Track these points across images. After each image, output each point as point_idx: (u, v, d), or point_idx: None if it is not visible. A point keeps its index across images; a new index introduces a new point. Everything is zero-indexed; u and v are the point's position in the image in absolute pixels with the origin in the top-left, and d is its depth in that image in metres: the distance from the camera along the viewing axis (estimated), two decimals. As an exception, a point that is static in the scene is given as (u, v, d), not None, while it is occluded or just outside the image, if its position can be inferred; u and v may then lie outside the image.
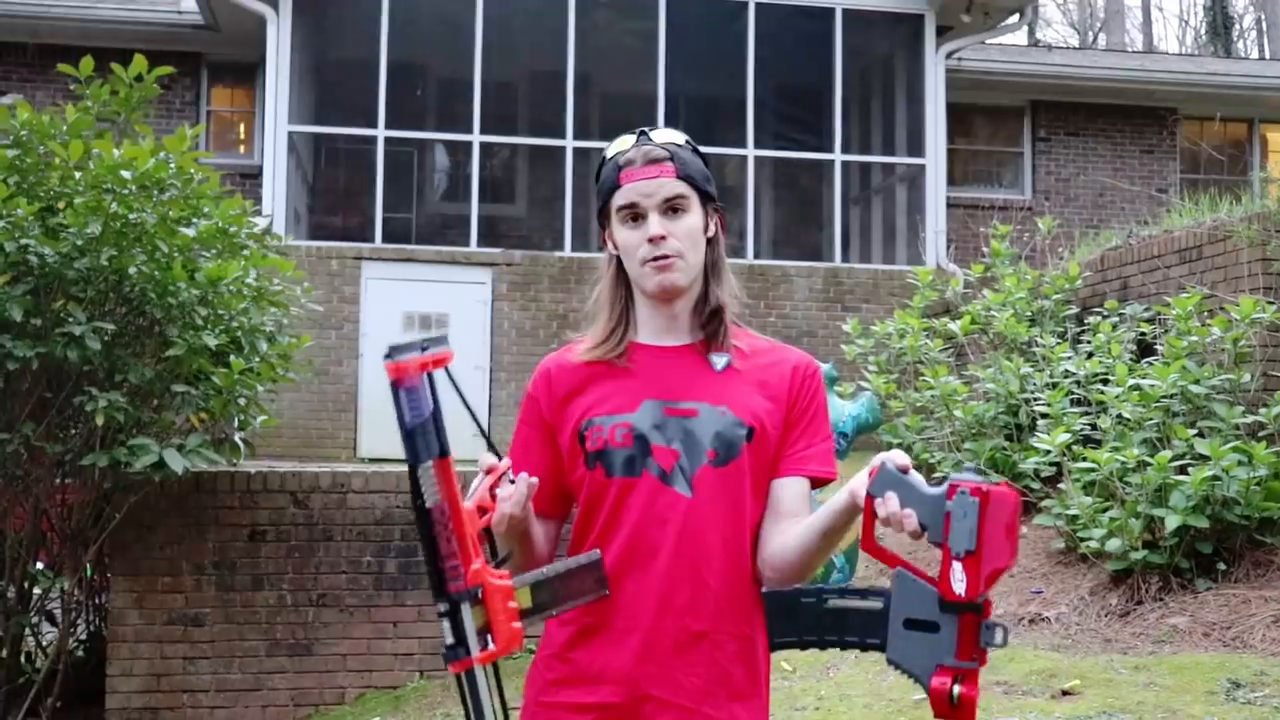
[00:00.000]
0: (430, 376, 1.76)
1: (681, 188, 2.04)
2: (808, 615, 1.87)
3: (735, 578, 2.02)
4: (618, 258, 2.11)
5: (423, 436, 1.74)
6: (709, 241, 2.10)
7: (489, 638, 1.78)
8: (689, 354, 2.08)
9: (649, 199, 2.03)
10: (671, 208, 2.03)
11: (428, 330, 11.54)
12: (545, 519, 2.11)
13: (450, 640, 1.77)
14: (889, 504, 1.76)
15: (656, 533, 1.99)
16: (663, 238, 2.02)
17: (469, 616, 1.77)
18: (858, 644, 1.82)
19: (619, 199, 2.05)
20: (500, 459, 1.90)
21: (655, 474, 2.01)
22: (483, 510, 1.83)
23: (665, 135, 2.08)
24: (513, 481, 1.87)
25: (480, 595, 1.77)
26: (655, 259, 2.03)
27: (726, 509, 2.01)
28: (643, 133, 2.09)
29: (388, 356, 1.74)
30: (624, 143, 2.09)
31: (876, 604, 1.81)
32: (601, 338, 2.11)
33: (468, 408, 1.87)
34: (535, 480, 1.89)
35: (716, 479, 2.01)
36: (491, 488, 1.86)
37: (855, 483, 1.83)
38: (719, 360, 2.07)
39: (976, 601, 1.70)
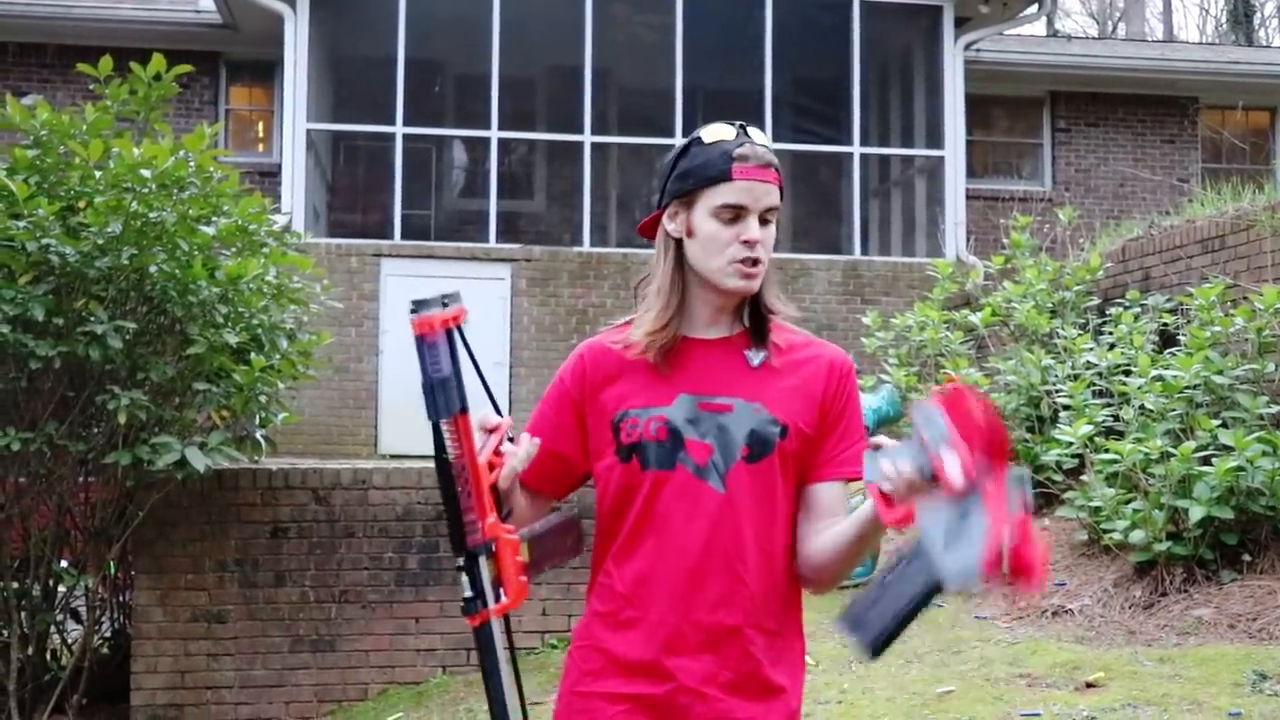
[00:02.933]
0: (450, 334, 1.81)
1: (777, 200, 2.02)
2: (880, 610, 1.83)
3: (769, 573, 2.02)
4: (677, 242, 2.05)
5: (444, 391, 1.79)
6: None
7: (500, 591, 1.83)
8: (728, 347, 2.06)
9: (757, 203, 1.99)
10: (764, 218, 2.01)
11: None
12: (533, 494, 2.10)
13: (469, 593, 1.81)
14: (884, 471, 1.77)
15: (690, 527, 1.99)
16: (758, 242, 1.99)
17: (485, 569, 1.82)
18: (924, 599, 1.79)
19: (727, 194, 1.98)
20: (502, 416, 1.91)
21: (690, 469, 2.00)
22: (490, 466, 1.85)
23: (763, 138, 2.03)
24: (512, 440, 1.89)
25: (494, 549, 1.83)
26: (744, 260, 1.99)
27: (759, 505, 2.01)
28: (743, 127, 2.02)
29: (413, 311, 1.79)
30: (726, 132, 2.02)
31: (910, 560, 1.80)
32: (657, 326, 2.04)
33: (475, 365, 1.88)
34: (538, 440, 1.92)
35: (749, 475, 2.00)
36: (496, 445, 1.88)
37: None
38: (755, 357, 2.05)
39: (976, 482, 1.70)
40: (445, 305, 1.82)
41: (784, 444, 2.01)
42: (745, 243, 1.99)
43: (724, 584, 1.99)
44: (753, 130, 2.03)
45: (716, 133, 2.02)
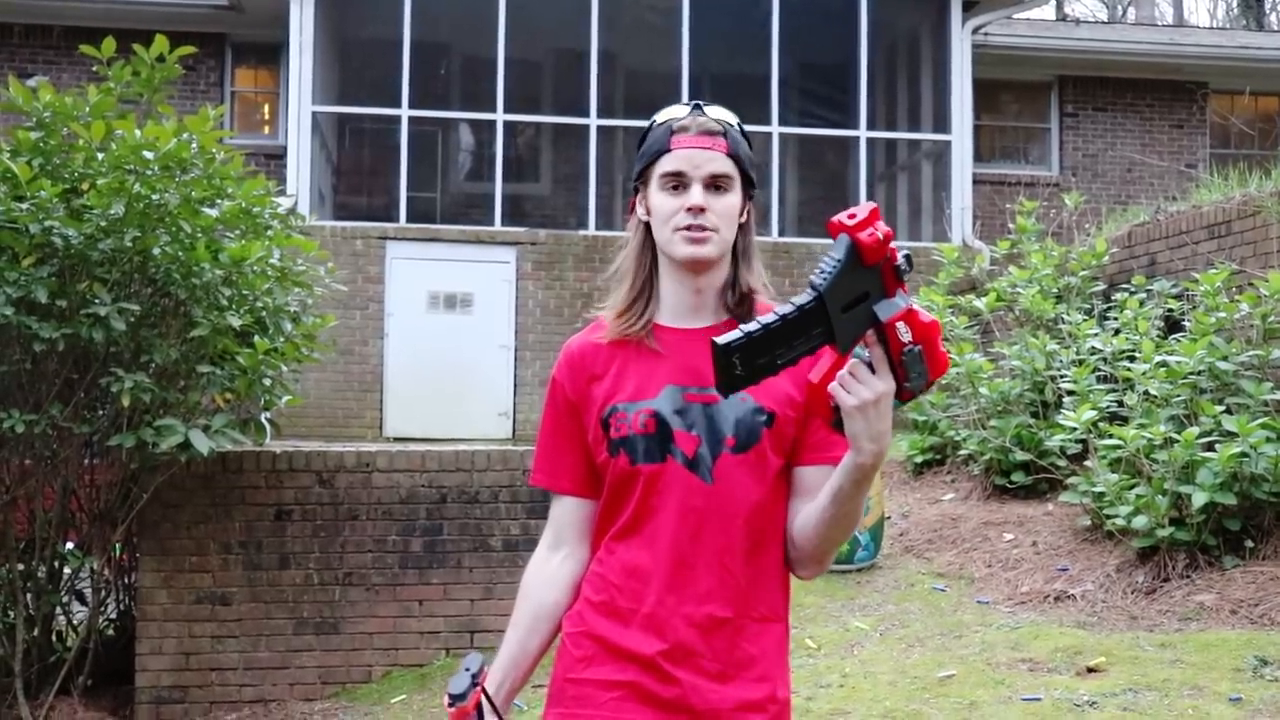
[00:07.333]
0: (480, 707, 1.97)
1: (729, 166, 2.03)
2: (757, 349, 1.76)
3: (759, 563, 2.02)
4: (646, 225, 2.09)
5: None
6: (741, 227, 2.08)
7: None
8: (712, 336, 2.06)
9: (697, 170, 2.01)
10: (716, 184, 2.02)
11: (453, 309, 11.57)
12: (589, 503, 2.13)
13: None
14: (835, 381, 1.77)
15: (679, 520, 2.00)
16: (702, 209, 2.00)
17: None
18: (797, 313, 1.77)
19: (666, 164, 2.03)
20: None
21: (680, 460, 2.01)
22: None
23: (719, 112, 2.06)
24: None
25: None
26: (689, 228, 2.01)
27: (748, 495, 2.00)
28: (697, 105, 2.07)
29: (451, 705, 1.93)
30: (677, 111, 2.06)
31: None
32: (623, 306, 2.08)
33: (494, 708, 2.02)
34: None
35: (737, 465, 2.00)
36: None
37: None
38: None
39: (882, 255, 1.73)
40: (474, 679, 1.95)
41: (771, 432, 2.01)
42: (689, 210, 2.00)
43: (714, 576, 1.99)
44: (710, 107, 2.07)
45: (668, 113, 2.08)
